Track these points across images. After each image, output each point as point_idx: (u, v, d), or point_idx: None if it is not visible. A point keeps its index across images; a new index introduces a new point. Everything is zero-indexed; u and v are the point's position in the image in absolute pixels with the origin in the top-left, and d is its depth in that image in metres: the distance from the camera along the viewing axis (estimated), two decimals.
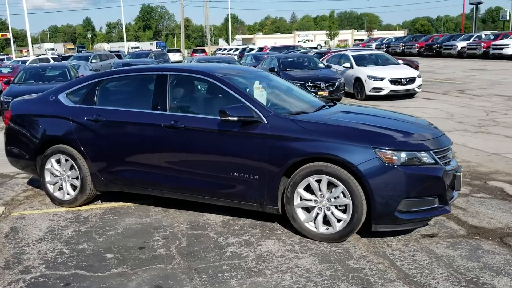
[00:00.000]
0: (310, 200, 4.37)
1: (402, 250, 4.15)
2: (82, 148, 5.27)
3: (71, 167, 5.44)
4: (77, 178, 5.41)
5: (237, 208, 4.83)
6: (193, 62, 17.00)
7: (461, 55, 36.16)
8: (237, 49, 37.67)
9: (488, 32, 40.77)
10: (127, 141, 5.07)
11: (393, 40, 45.26)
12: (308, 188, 4.36)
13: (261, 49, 30.66)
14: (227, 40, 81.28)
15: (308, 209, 4.42)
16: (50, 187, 5.60)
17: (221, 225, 4.84)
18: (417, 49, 39.19)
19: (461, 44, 36.44)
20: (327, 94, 13.31)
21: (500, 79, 19.66)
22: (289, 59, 15.74)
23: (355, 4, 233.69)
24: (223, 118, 4.47)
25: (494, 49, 33.30)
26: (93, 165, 5.27)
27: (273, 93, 5.32)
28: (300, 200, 4.40)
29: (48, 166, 5.54)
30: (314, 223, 4.38)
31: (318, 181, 4.29)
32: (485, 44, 34.48)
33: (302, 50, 25.59)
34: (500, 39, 34.54)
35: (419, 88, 14.79)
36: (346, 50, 19.02)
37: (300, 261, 3.97)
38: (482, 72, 23.46)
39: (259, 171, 4.47)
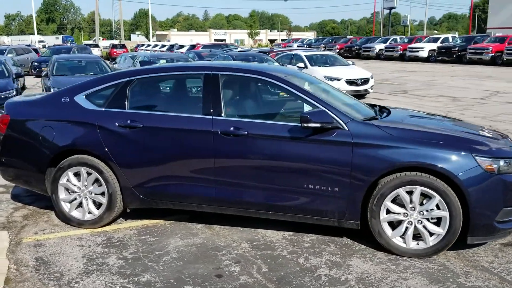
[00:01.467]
0: (399, 214, 4.04)
1: (499, 262, 3.96)
2: (112, 159, 4.50)
3: (95, 181, 4.63)
4: (102, 194, 4.62)
5: (288, 221, 4.38)
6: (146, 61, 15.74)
7: (379, 57, 37.93)
8: (163, 46, 36.35)
9: (403, 36, 43.19)
10: (171, 151, 4.40)
11: (313, 41, 46.40)
12: (394, 201, 4.03)
13: (193, 46, 29.83)
14: (147, 36, 78.66)
15: (392, 224, 4.09)
16: (65, 206, 4.74)
17: (286, 242, 4.36)
18: (337, 50, 40.51)
19: (379, 46, 38.23)
20: None
21: (431, 80, 20.79)
22: (245, 58, 15.29)
23: (266, 4, 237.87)
24: (304, 125, 3.99)
25: (410, 51, 35.32)
26: (126, 178, 4.52)
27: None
28: (387, 214, 4.06)
29: (63, 180, 4.68)
30: (402, 238, 4.07)
31: (409, 193, 3.97)
32: (401, 47, 36.47)
33: (239, 49, 25.22)
34: (414, 43, 36.68)
35: (371, 89, 15.09)
36: (295, 50, 18.97)
37: (409, 282, 3.64)
38: (408, 74, 24.69)
39: (340, 182, 4.06)
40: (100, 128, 4.53)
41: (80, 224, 4.72)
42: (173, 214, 4.97)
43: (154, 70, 4.83)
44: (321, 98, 4.27)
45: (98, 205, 4.69)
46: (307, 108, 4.30)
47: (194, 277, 3.73)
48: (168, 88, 4.95)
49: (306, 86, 4.69)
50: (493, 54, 29.67)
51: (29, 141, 4.76)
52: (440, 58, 33.13)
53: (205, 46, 28.28)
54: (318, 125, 3.99)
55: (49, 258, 4.08)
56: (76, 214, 4.75)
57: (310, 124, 3.98)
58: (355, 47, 39.83)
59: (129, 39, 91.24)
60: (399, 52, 36.17)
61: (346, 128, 4.06)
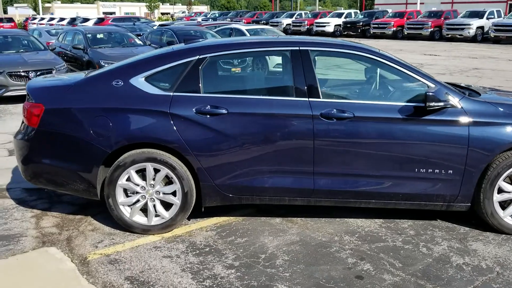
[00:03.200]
0: (509, 192, 3.94)
1: None
2: (189, 152, 3.82)
3: (164, 180, 3.92)
4: (173, 193, 3.94)
5: (372, 208, 4.13)
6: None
7: (286, 31, 38.35)
8: (62, 19, 33.10)
9: (307, 11, 44.06)
10: (262, 140, 3.85)
11: (217, 15, 45.57)
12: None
13: (101, 19, 27.50)
14: (34, 9, 71.40)
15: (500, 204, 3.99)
16: (125, 211, 3.97)
17: (388, 231, 4.07)
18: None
19: (286, 21, 38.64)
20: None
21: None
22: (187, 33, 14.36)
23: None
24: (431, 104, 3.68)
25: (317, 26, 36.20)
26: (207, 173, 3.88)
27: None
28: (498, 193, 3.94)
29: (121, 181, 3.90)
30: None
31: None
32: (308, 22, 37.21)
33: (161, 23, 23.73)
34: (319, 18, 37.64)
35: None
36: (230, 24, 18.30)
37: None
38: None
39: (455, 164, 3.84)
40: (174, 116, 3.81)
41: (145, 230, 3.98)
42: (233, 209, 4.42)
43: (229, 45, 4.13)
44: (430, 75, 3.98)
45: (166, 206, 3.99)
46: (409, 85, 3.99)
47: (334, 282, 3.30)
48: (247, 67, 4.31)
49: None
50: (394, 28, 31.42)
51: (73, 135, 3.87)
52: (345, 32, 34.38)
53: (114, 20, 26.29)
54: (442, 104, 3.70)
55: (144, 277, 3.37)
56: (139, 219, 4.00)
57: (436, 104, 3.68)
58: (262, 22, 39.82)
59: (5, 12, 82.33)
60: (306, 27, 36.88)
61: (459, 106, 3.83)
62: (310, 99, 3.84)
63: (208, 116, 3.81)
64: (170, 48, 4.39)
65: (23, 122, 4.20)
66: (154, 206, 3.97)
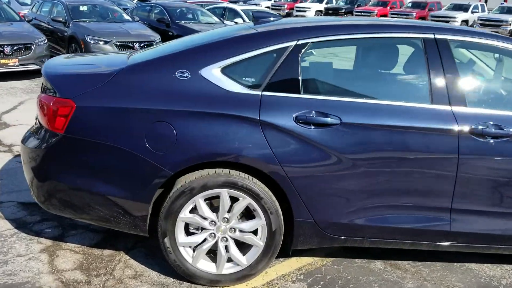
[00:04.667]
0: None
1: None
2: (284, 176, 2.70)
3: (244, 212, 2.80)
4: (255, 232, 2.82)
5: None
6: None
7: None
8: None
9: None
10: (384, 162, 2.77)
11: None
12: None
13: None
14: None
15: None
16: (187, 254, 2.84)
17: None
18: None
19: (264, 3, 37.30)
20: None
21: None
22: (181, 10, 12.94)
23: None
24: None
25: (297, 11, 35.12)
26: (306, 207, 2.78)
27: None
28: None
29: (184, 213, 2.75)
30: None
31: None
32: (288, 6, 36.09)
33: None
34: (300, 2, 36.57)
35: None
36: (218, 2, 16.96)
37: None
38: None
39: None
40: (265, 125, 2.67)
41: (213, 281, 2.86)
42: (302, 252, 3.34)
43: (339, 27, 2.95)
44: None
45: (241, 248, 2.88)
46: None
47: None
48: (360, 58, 3.18)
49: None
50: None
51: (116, 147, 2.68)
52: None
53: None
54: None
55: None
56: (205, 265, 2.87)
57: None
58: (240, 3, 38.35)
59: None
60: (286, 11, 35.72)
61: None
62: (454, 108, 2.78)
63: (313, 127, 2.69)
64: (247, 26, 3.20)
65: (38, 123, 2.95)
66: (226, 248, 2.84)
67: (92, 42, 9.99)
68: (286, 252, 3.01)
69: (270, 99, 2.71)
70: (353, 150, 2.71)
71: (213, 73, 2.74)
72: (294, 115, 2.69)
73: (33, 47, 8.98)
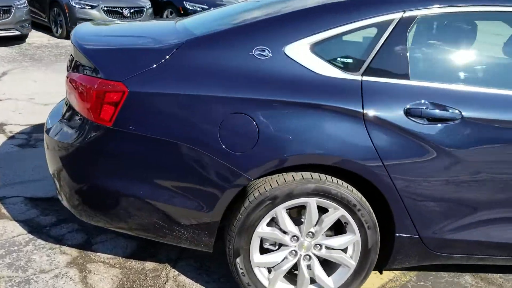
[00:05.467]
0: None
1: None
2: (389, 184, 2.17)
3: (334, 225, 2.27)
4: (344, 249, 2.30)
5: None
6: None
7: None
8: None
9: None
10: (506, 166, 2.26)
11: None
12: None
13: None
14: None
15: None
16: (262, 276, 2.31)
17: None
18: None
19: None
20: None
21: None
22: None
23: None
24: None
25: None
26: (412, 220, 2.27)
27: None
28: None
29: (262, 227, 2.20)
30: None
31: None
32: None
33: None
34: None
35: None
36: None
37: None
38: None
39: None
40: (369, 119, 2.11)
41: None
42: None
43: None
44: None
45: (326, 268, 2.36)
46: None
47: None
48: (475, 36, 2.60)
49: None
50: None
51: (181, 144, 2.08)
52: None
53: None
54: None
55: None
56: None
57: None
58: None
59: None
60: None
61: None
62: None
63: (427, 122, 2.15)
64: None
65: (70, 110, 2.32)
66: (308, 267, 2.31)
67: (77, 6, 9.14)
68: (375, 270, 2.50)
69: (374, 86, 2.15)
70: (476, 152, 2.18)
71: (301, 51, 2.15)
72: (404, 107, 2.14)
73: (12, 10, 8.08)
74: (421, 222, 2.27)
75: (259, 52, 2.13)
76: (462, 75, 2.32)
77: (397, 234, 2.29)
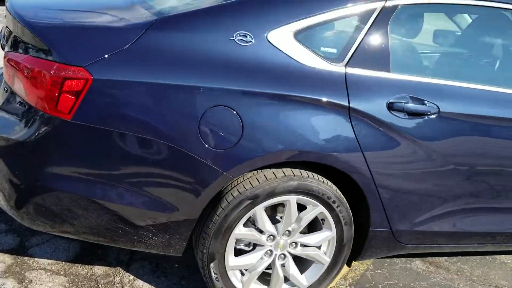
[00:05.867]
0: None
1: None
2: (369, 179, 2.13)
3: (312, 223, 2.20)
4: (319, 247, 2.24)
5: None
6: None
7: None
8: None
9: None
10: (479, 160, 2.32)
11: None
12: None
13: None
14: None
15: None
16: (236, 279, 2.18)
17: None
18: None
19: None
20: None
21: None
22: None
23: None
24: None
25: None
26: (386, 214, 2.26)
27: None
28: None
29: (239, 228, 2.06)
30: None
31: None
32: None
33: None
34: None
35: None
36: None
37: None
38: None
39: None
40: (354, 113, 2.03)
41: None
42: None
43: None
44: None
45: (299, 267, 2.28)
46: None
47: None
48: (468, 31, 2.55)
49: None
50: None
51: (153, 140, 1.84)
52: None
53: None
54: None
55: None
56: None
57: None
58: None
59: None
60: None
61: None
62: None
63: (407, 116, 2.12)
64: None
65: (15, 100, 1.94)
66: (282, 266, 2.21)
67: None
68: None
69: (358, 79, 2.06)
70: (451, 146, 2.20)
71: (284, 38, 1.99)
72: (387, 101, 2.08)
73: None
74: (394, 216, 2.26)
75: (240, 38, 1.93)
76: (441, 68, 2.31)
77: (371, 229, 2.26)
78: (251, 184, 1.99)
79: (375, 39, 2.10)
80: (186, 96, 1.83)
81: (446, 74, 2.32)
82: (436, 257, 2.97)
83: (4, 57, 1.92)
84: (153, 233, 1.98)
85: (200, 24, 1.93)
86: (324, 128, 2.00)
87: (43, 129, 1.79)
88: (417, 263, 2.88)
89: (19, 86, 1.85)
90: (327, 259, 2.24)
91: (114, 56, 1.79)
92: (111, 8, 2.14)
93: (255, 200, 2.00)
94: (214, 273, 2.08)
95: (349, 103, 2.01)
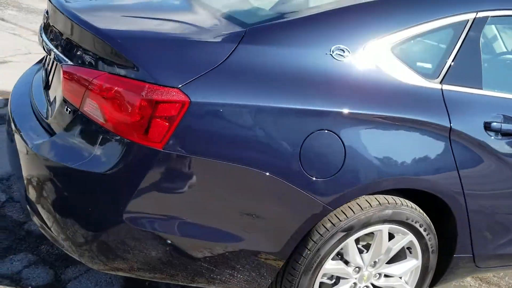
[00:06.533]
0: None
1: None
2: (461, 204, 1.99)
3: (398, 253, 2.03)
4: (383, 276, 2.09)
5: None
6: None
7: None
8: None
9: None
10: None
11: None
12: None
13: None
14: None
15: None
16: None
17: None
18: None
19: None
20: None
21: None
22: None
23: None
24: None
25: None
26: (471, 240, 2.12)
27: None
28: None
29: (329, 263, 1.87)
30: None
31: None
32: None
33: None
34: None
35: None
36: None
37: None
38: None
39: None
40: (454, 134, 1.87)
41: None
42: None
43: None
44: None
45: None
46: None
47: None
48: None
49: None
50: None
51: (249, 170, 1.60)
52: None
53: None
54: None
55: None
56: None
57: None
58: None
59: None
60: None
61: None
62: None
63: (501, 137, 1.98)
64: None
65: (79, 118, 1.64)
66: None
67: None
68: None
69: (454, 96, 1.90)
70: None
71: (382, 52, 1.79)
72: (484, 121, 1.93)
73: None
74: (478, 241, 2.12)
75: (338, 53, 1.71)
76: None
77: (455, 255, 2.11)
78: (345, 215, 1.79)
79: (469, 53, 1.94)
80: (290, 120, 1.60)
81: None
82: (485, 274, 2.87)
83: (65, 71, 1.62)
84: (239, 271, 1.74)
85: (292, 37, 1.70)
86: (423, 150, 1.83)
87: (126, 159, 1.52)
88: (469, 280, 2.78)
89: (93, 108, 1.56)
90: None
91: (209, 74, 1.54)
92: (179, 11, 1.87)
93: (350, 231, 1.80)
94: None
95: (450, 124, 1.84)
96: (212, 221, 1.64)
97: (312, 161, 1.63)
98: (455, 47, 1.91)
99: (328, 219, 1.78)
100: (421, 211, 1.94)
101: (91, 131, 1.59)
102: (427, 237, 1.97)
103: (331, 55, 1.70)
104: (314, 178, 1.65)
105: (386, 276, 2.04)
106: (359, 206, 1.81)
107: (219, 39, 1.64)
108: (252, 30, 1.68)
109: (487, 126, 1.93)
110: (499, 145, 1.97)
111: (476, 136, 1.91)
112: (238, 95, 1.55)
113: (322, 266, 1.83)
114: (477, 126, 1.91)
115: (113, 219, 1.57)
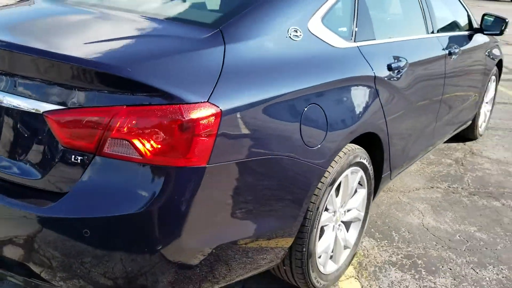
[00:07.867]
0: None
1: None
2: (388, 136, 2.51)
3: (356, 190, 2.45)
4: (347, 211, 2.51)
5: None
6: None
7: None
8: None
9: None
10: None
11: None
12: None
13: None
14: None
15: None
16: (320, 265, 2.27)
17: None
18: None
19: None
20: None
21: None
22: None
23: None
24: None
25: None
26: (390, 160, 2.67)
27: None
28: None
29: (324, 215, 2.18)
30: None
31: None
32: None
33: None
34: None
35: None
36: None
37: None
38: None
39: None
40: (377, 81, 2.32)
41: (337, 278, 2.42)
42: None
43: None
44: None
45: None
46: None
47: None
48: None
49: None
50: None
51: (273, 156, 1.73)
52: None
53: None
54: None
55: None
56: (332, 267, 2.38)
57: None
58: None
59: None
60: None
61: None
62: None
63: (397, 73, 2.51)
64: None
65: (105, 163, 1.49)
66: (343, 235, 2.43)
67: None
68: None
69: (367, 50, 2.31)
70: (416, 88, 2.70)
71: (318, 25, 2.06)
72: (386, 64, 2.41)
73: None
74: (393, 159, 2.65)
75: (294, 34, 1.92)
76: (400, 27, 2.72)
77: (383, 175, 2.61)
78: (329, 171, 2.05)
79: (362, 11, 2.36)
80: (287, 103, 1.76)
81: (404, 31, 2.75)
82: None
83: (47, 117, 1.43)
84: (269, 250, 1.89)
85: (260, 25, 1.82)
86: (364, 101, 2.20)
87: (174, 186, 1.47)
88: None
89: (119, 147, 1.44)
90: (362, 214, 2.50)
91: (220, 81, 1.57)
92: (113, 21, 1.78)
93: (333, 183, 2.09)
94: (307, 270, 2.11)
95: (374, 74, 2.24)
96: (266, 213, 1.73)
97: (308, 133, 1.83)
98: (354, 9, 2.29)
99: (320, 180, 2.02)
100: (362, 149, 2.33)
101: (122, 170, 1.46)
102: (369, 168, 2.39)
103: (290, 37, 1.88)
104: (311, 148, 1.86)
105: (348, 211, 2.40)
106: (336, 160, 2.09)
107: (202, 45, 1.65)
108: (227, 28, 1.73)
109: (390, 67, 2.39)
110: (399, 80, 2.47)
111: (386, 77, 2.35)
112: (250, 92, 1.63)
113: (320, 219, 2.08)
114: (385, 70, 2.36)
115: (183, 246, 1.52)
